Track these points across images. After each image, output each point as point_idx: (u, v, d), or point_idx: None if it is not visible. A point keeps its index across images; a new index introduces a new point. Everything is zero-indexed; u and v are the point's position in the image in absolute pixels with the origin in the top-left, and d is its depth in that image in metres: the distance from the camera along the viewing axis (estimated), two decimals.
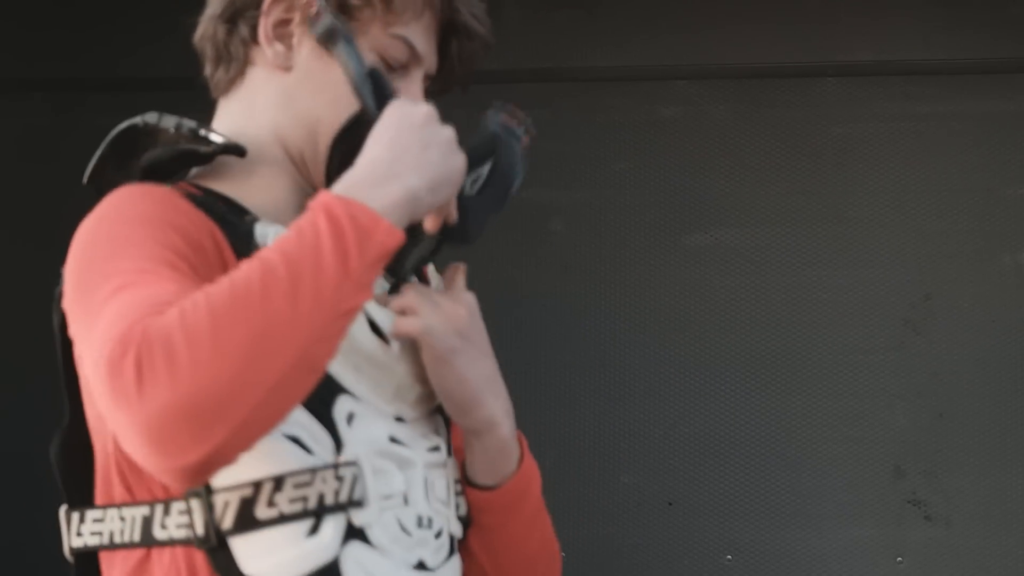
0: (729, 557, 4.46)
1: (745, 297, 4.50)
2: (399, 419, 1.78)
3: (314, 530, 1.67)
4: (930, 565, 4.42)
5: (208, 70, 1.86)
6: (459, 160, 1.70)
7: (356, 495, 1.69)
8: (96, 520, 1.73)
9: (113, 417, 1.47)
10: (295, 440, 1.67)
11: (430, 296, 1.78)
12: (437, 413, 1.85)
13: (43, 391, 1.83)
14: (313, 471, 1.67)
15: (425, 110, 1.67)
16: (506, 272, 4.32)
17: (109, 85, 4.58)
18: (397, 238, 1.56)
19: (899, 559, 4.42)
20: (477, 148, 1.81)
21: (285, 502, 1.66)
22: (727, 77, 4.56)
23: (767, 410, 4.48)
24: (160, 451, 1.46)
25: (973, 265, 4.44)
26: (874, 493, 4.44)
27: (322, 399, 1.68)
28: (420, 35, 1.80)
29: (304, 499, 1.66)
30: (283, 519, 1.66)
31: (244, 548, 1.66)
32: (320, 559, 1.67)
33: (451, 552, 1.82)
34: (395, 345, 1.76)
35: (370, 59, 1.77)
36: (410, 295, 1.76)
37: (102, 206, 1.67)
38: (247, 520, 1.65)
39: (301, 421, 1.68)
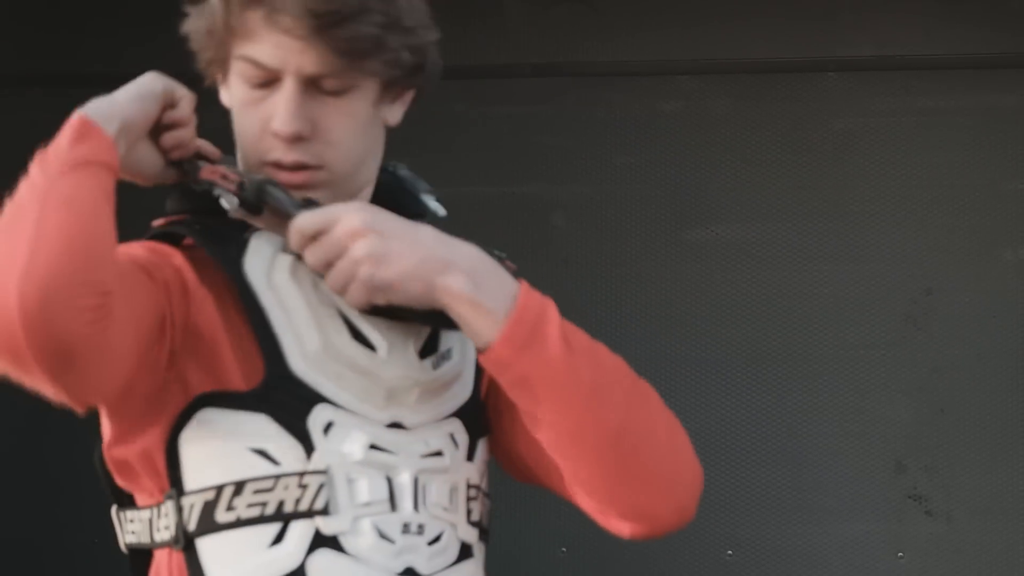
0: (730, 552, 4.46)
1: (746, 292, 4.50)
2: (396, 425, 1.77)
3: (278, 539, 1.70)
4: (931, 560, 4.42)
5: None
6: (149, 79, 1.76)
7: (318, 504, 1.71)
8: (129, 521, 1.80)
9: None
10: (260, 453, 1.71)
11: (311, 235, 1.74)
12: (456, 418, 1.83)
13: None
14: (276, 478, 1.70)
15: None
16: None
17: (111, 80, 4.57)
18: (74, 121, 1.66)
19: (900, 554, 4.42)
20: None
21: (243, 506, 1.70)
22: (728, 72, 4.56)
23: (768, 405, 4.48)
24: None
25: (974, 260, 4.44)
26: (875, 488, 4.44)
27: (294, 411, 1.72)
28: (261, 45, 1.75)
29: (263, 504, 1.70)
30: (240, 523, 1.70)
31: (211, 555, 1.71)
32: (283, 567, 1.70)
33: (460, 558, 1.80)
34: (382, 350, 1.76)
35: (239, 90, 1.79)
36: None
37: None
38: (208, 523, 1.70)
39: (267, 433, 1.71)
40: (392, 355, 1.77)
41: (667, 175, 4.54)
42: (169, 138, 1.77)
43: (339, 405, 1.74)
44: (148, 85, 1.75)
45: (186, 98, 1.78)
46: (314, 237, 1.71)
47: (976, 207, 4.44)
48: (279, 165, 1.78)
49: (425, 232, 1.74)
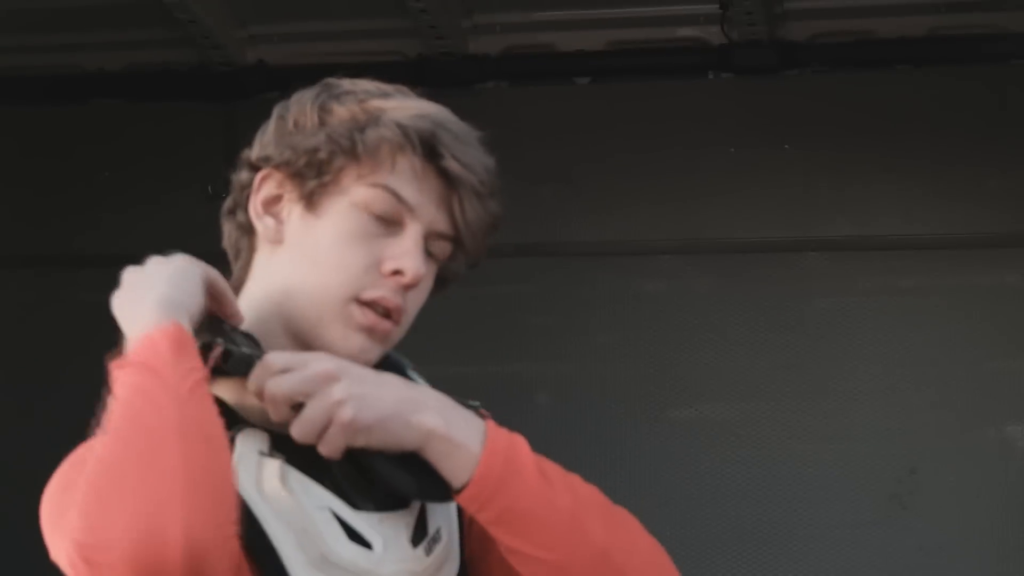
0: None
1: (730, 471, 4.49)
2: None
3: None
4: None
5: (232, 272, 1.87)
6: (189, 264, 1.71)
7: None
8: None
9: None
10: None
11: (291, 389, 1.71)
12: (444, 568, 1.79)
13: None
14: None
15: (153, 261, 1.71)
16: None
17: (100, 262, 4.61)
18: (170, 328, 1.61)
19: None
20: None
21: None
22: (710, 252, 4.59)
23: None
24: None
25: (959, 439, 4.43)
26: None
27: None
28: (407, 183, 1.76)
29: None
30: None
31: None
32: None
33: None
34: (378, 547, 1.73)
35: (354, 218, 1.76)
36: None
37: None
38: None
39: None
40: (388, 550, 1.73)
41: (650, 354, 4.55)
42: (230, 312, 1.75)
43: None
44: (193, 272, 1.70)
45: (219, 276, 1.73)
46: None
47: (959, 386, 4.45)
48: (376, 304, 1.75)
49: (390, 377, 1.74)
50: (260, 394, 1.70)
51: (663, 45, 4.64)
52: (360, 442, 1.68)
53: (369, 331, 1.76)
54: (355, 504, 1.73)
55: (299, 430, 1.68)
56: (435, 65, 4.66)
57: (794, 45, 4.58)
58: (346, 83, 1.83)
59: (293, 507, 1.70)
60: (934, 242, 4.50)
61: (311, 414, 1.67)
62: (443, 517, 1.81)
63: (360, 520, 1.73)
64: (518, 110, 4.62)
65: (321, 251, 1.77)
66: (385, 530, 1.74)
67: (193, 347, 1.62)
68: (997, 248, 4.49)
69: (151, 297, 1.65)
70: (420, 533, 1.78)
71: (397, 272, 1.75)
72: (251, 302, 1.80)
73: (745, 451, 4.49)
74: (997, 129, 4.44)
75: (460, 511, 1.83)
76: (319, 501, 1.72)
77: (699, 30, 4.61)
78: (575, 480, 1.78)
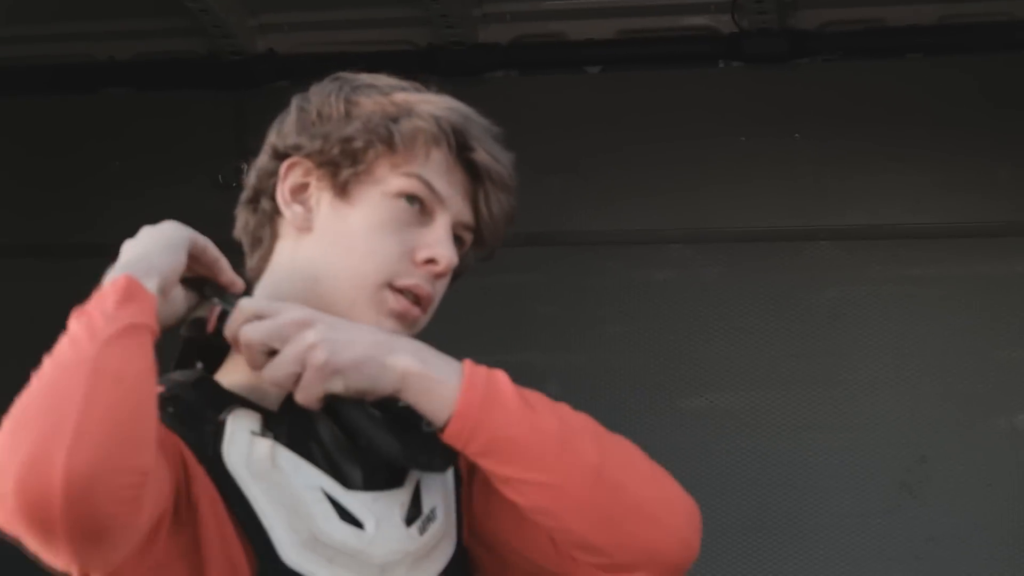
0: None
1: (741, 460, 4.49)
2: None
3: None
4: None
5: (246, 262, 1.88)
6: (172, 228, 1.75)
7: None
8: None
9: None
10: None
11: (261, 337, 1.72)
12: (440, 545, 1.81)
13: None
14: None
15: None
16: None
17: (109, 251, 4.62)
18: (120, 280, 1.64)
19: None
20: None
21: None
22: (720, 240, 4.59)
23: (764, 574, 4.44)
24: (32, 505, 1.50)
25: (968, 428, 4.43)
26: None
27: None
28: (439, 175, 1.80)
29: None
30: None
31: None
32: None
33: None
34: (370, 526, 1.74)
35: (387, 207, 1.79)
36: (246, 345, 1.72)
37: None
38: None
39: None
40: (380, 530, 1.75)
41: (661, 343, 4.55)
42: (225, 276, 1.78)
43: None
44: (175, 235, 1.74)
45: (209, 243, 1.77)
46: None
47: (968, 375, 4.45)
48: (408, 291, 1.79)
49: (362, 325, 1.75)
50: (236, 341, 1.71)
51: (673, 33, 4.64)
52: (337, 387, 1.69)
53: (401, 317, 1.79)
54: (347, 483, 1.74)
55: (272, 373, 1.69)
56: (445, 54, 4.66)
57: (804, 33, 4.58)
58: (364, 77, 1.86)
59: (283, 486, 1.71)
60: (943, 231, 4.50)
61: (285, 357, 1.69)
62: (440, 497, 1.82)
63: (352, 500, 1.74)
64: (528, 99, 4.62)
65: (354, 238, 1.79)
66: (378, 509, 1.75)
67: (144, 298, 1.64)
68: (1006, 237, 4.49)
69: (119, 263, 1.69)
70: (414, 512, 1.79)
71: (430, 261, 1.79)
72: (274, 288, 1.83)
73: (755, 440, 4.49)
74: (1006, 119, 4.43)
75: (458, 491, 1.84)
76: (310, 481, 1.73)
77: (710, 18, 4.61)
78: (563, 407, 1.78)
